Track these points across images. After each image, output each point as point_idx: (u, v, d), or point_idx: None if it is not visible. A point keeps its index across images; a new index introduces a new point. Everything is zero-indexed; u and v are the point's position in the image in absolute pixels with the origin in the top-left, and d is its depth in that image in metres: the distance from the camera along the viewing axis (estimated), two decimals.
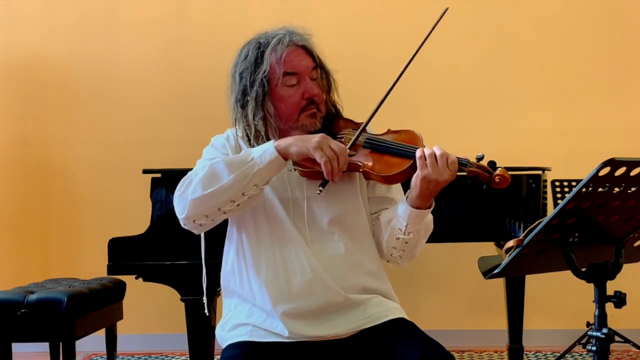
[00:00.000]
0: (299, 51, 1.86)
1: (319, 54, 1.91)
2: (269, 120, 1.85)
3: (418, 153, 1.73)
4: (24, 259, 4.20)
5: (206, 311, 2.14)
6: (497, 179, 1.75)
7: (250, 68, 1.85)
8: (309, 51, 1.88)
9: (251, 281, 1.85)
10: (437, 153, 1.72)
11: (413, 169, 1.77)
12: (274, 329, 1.82)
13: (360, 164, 1.81)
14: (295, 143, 1.73)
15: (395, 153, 1.80)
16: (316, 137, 1.73)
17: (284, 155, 1.73)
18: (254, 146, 1.84)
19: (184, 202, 1.75)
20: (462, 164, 1.76)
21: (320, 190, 1.76)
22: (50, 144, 4.21)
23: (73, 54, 4.21)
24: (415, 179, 1.74)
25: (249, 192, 1.73)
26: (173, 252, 2.78)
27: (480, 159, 1.76)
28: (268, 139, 1.84)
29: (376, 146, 1.83)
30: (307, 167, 1.82)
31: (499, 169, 1.75)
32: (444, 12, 1.87)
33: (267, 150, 1.73)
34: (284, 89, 1.85)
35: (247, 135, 1.87)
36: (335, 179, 1.73)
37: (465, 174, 1.77)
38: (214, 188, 1.71)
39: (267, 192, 1.84)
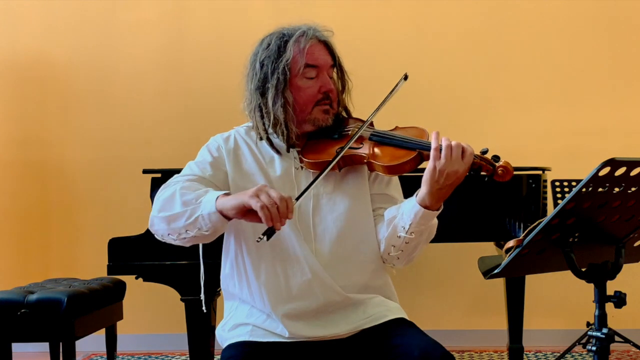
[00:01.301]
0: (320, 46, 1.89)
1: (338, 54, 1.93)
2: (288, 109, 1.86)
3: (434, 144, 1.71)
4: (24, 259, 4.20)
5: (204, 308, 2.13)
6: (499, 171, 1.74)
7: (272, 56, 1.87)
8: (329, 49, 1.91)
9: (250, 284, 1.85)
10: (453, 144, 1.70)
11: (417, 160, 1.78)
12: (275, 330, 1.82)
13: (364, 155, 1.83)
14: (233, 197, 1.69)
15: (401, 145, 1.81)
16: (254, 188, 1.66)
17: (220, 211, 1.69)
18: (268, 136, 1.88)
19: (150, 215, 1.81)
20: None
21: (260, 239, 1.65)
22: (50, 143, 4.21)
23: (72, 53, 4.21)
24: (427, 172, 1.73)
25: (190, 232, 1.74)
26: (173, 252, 2.78)
27: (484, 152, 1.76)
28: (287, 127, 1.85)
29: (382, 139, 1.85)
30: (312, 159, 1.83)
31: (502, 161, 1.75)
32: (403, 78, 1.88)
33: (210, 200, 1.70)
34: (302, 80, 1.87)
35: (264, 125, 1.88)
36: (277, 225, 1.63)
37: None
38: (166, 214, 1.76)
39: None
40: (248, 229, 1.84)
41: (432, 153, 1.71)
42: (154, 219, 1.80)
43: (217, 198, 1.69)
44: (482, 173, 1.75)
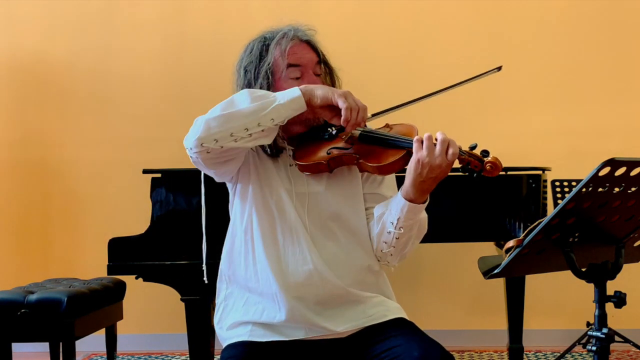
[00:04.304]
0: (303, 45, 1.89)
1: (322, 51, 1.92)
2: None
3: (416, 137, 1.71)
4: (24, 259, 4.20)
5: (205, 279, 2.11)
6: (488, 167, 1.72)
7: (255, 62, 1.88)
8: (313, 47, 1.91)
9: (257, 263, 1.85)
10: (439, 138, 1.70)
11: (406, 159, 1.76)
12: (273, 319, 1.82)
13: (355, 155, 1.82)
14: (321, 87, 1.75)
15: (390, 144, 1.80)
16: (342, 89, 1.77)
17: (308, 96, 1.72)
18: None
19: (199, 123, 1.72)
20: None
21: (334, 132, 1.80)
22: (51, 144, 4.21)
23: (73, 53, 4.21)
24: (410, 163, 1.72)
25: (264, 124, 1.70)
26: (173, 252, 2.79)
27: (473, 148, 1.74)
28: None
29: (371, 138, 1.83)
30: (303, 161, 1.83)
31: (491, 156, 1.73)
32: (496, 70, 1.90)
33: (291, 90, 1.74)
34: (287, 82, 1.86)
35: None
36: (349, 127, 1.73)
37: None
38: (232, 110, 1.70)
39: (275, 182, 1.85)
40: (259, 203, 1.84)
41: (414, 145, 1.70)
42: (210, 121, 1.70)
43: (298, 87, 1.73)
44: (470, 168, 1.73)
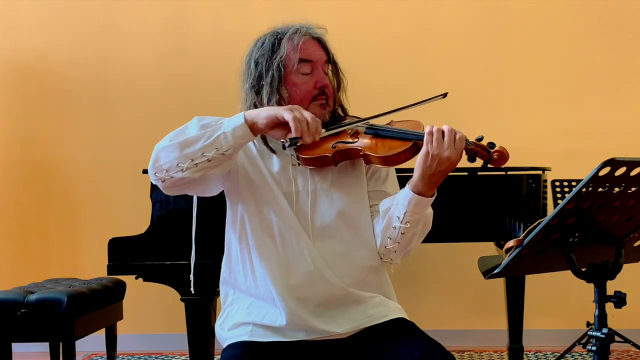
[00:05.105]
0: (314, 42, 1.90)
1: (332, 51, 1.94)
2: (283, 105, 1.85)
3: (427, 129, 1.72)
4: (24, 259, 4.20)
5: (192, 289, 2.10)
6: (495, 156, 1.75)
7: (266, 54, 1.88)
8: (323, 45, 1.92)
9: (255, 270, 1.85)
10: (446, 129, 1.71)
11: (413, 151, 1.77)
12: (274, 322, 1.82)
13: (360, 148, 1.82)
14: (266, 109, 1.73)
15: (396, 137, 1.81)
16: (287, 106, 1.74)
17: (251, 122, 1.70)
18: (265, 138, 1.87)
19: (154, 152, 1.74)
20: None
21: (287, 142, 1.70)
22: (51, 143, 4.22)
23: (73, 54, 4.21)
24: (420, 156, 1.74)
25: (208, 153, 1.69)
26: (173, 252, 2.78)
27: (480, 139, 1.77)
28: None
29: (377, 132, 1.84)
30: (308, 155, 1.82)
31: (498, 146, 1.76)
32: (441, 96, 1.88)
33: (235, 117, 1.72)
34: (297, 76, 1.87)
35: None
36: (305, 138, 1.68)
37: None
38: (177, 140, 1.71)
39: (273, 186, 1.85)
40: (253, 210, 1.84)
41: (425, 137, 1.72)
42: (160, 151, 1.72)
43: (243, 114, 1.71)
44: (477, 159, 1.76)
